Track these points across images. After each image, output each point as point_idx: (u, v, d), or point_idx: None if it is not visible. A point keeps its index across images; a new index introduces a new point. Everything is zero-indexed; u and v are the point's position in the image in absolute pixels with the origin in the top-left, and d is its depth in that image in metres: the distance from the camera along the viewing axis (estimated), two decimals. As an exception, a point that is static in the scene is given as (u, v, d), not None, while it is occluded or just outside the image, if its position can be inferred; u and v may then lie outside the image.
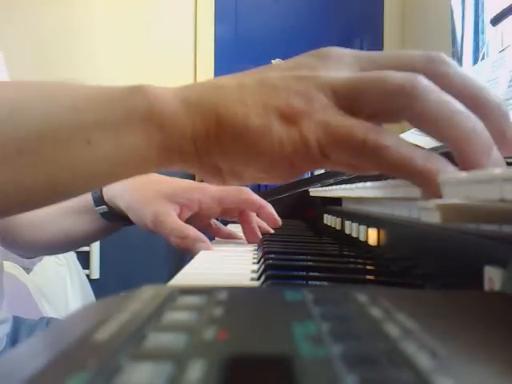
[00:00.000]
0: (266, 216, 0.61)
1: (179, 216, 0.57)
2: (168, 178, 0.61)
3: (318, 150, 0.25)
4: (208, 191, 0.58)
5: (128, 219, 0.61)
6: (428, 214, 0.21)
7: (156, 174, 0.62)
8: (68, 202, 0.63)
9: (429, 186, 0.24)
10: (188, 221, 0.58)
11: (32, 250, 0.71)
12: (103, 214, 0.61)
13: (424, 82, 0.24)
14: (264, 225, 0.63)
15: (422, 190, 0.25)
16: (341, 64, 0.27)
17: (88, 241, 0.70)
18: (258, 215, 0.62)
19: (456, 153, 0.24)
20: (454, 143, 0.24)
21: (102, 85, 0.28)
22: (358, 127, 0.25)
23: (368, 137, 0.24)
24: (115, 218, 0.62)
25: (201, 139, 0.26)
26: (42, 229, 0.65)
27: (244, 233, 0.61)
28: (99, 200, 0.61)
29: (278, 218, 0.61)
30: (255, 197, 0.61)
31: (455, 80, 0.25)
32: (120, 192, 0.59)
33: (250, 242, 0.61)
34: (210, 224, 0.64)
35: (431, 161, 0.24)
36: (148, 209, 0.56)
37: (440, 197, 0.22)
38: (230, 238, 0.65)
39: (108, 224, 0.64)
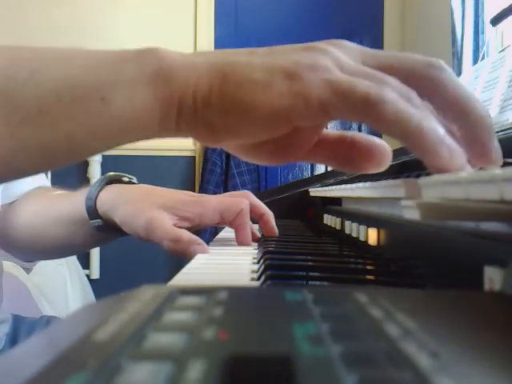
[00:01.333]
0: (265, 226, 0.61)
1: (174, 225, 0.55)
2: (168, 190, 0.61)
3: (318, 104, 0.26)
4: (209, 205, 0.57)
5: (122, 231, 0.60)
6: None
7: (156, 187, 0.61)
8: (62, 213, 0.64)
9: (420, 146, 0.25)
10: (192, 232, 0.56)
11: (30, 254, 0.72)
12: (98, 227, 0.61)
13: (390, 94, 0.26)
14: (254, 231, 0.63)
15: (415, 152, 0.26)
16: (347, 52, 0.29)
17: (85, 248, 0.70)
18: (259, 222, 0.62)
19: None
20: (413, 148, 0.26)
21: (115, 49, 0.29)
22: (360, 82, 0.26)
23: (370, 90, 0.25)
24: (110, 231, 0.62)
25: (202, 94, 0.27)
26: (38, 236, 0.66)
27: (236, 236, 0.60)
28: (93, 213, 0.60)
29: (276, 230, 0.62)
30: (258, 203, 0.61)
31: (448, 87, 0.27)
32: (115, 206, 0.59)
33: (270, 235, 0.61)
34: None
35: (425, 122, 0.25)
36: (141, 217, 0.55)
37: (433, 160, 0.24)
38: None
39: (104, 235, 0.63)
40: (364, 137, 0.31)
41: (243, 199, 0.59)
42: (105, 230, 0.62)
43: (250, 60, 0.28)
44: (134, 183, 0.65)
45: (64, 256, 0.82)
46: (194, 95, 0.27)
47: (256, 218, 0.61)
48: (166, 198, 0.57)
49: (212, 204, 0.57)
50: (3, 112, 0.25)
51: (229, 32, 2.54)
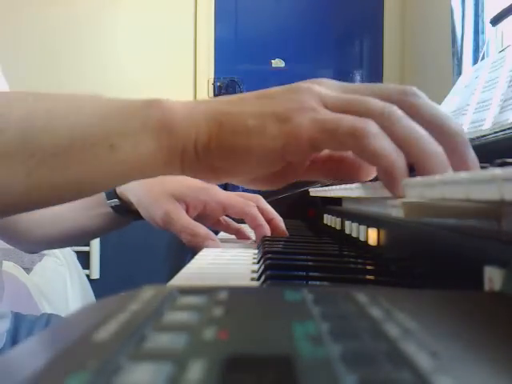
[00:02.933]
0: (274, 232, 0.62)
1: (187, 214, 0.59)
2: (180, 177, 0.63)
3: (308, 141, 0.29)
4: (215, 195, 0.60)
5: (138, 214, 0.63)
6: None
7: None
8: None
9: (390, 182, 0.28)
10: (196, 219, 0.59)
11: (41, 245, 0.72)
12: (114, 208, 0.63)
13: (372, 126, 0.28)
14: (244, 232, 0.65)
15: (385, 185, 0.29)
16: (329, 88, 0.32)
17: (100, 233, 0.71)
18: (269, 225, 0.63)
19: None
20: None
21: (122, 98, 0.32)
22: (345, 118, 0.29)
23: (354, 125, 0.28)
24: (125, 212, 0.64)
25: (202, 143, 0.30)
26: (54, 224, 0.67)
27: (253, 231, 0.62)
28: (111, 193, 0.62)
29: (286, 233, 0.63)
30: (268, 208, 0.63)
31: (423, 110, 0.30)
32: (132, 185, 0.61)
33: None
34: (219, 220, 0.65)
35: (400, 162, 0.28)
36: (158, 206, 0.58)
37: (399, 195, 0.27)
38: (238, 234, 0.65)
39: (119, 218, 0.65)
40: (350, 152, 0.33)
41: (251, 203, 0.61)
42: (121, 212, 0.64)
43: (242, 108, 0.30)
44: None
45: (79, 243, 0.85)
46: (195, 144, 0.30)
47: (253, 227, 0.62)
48: (175, 185, 0.60)
49: (218, 195, 0.60)
50: (21, 156, 0.28)
51: (229, 32, 2.54)
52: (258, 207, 0.62)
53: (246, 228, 0.66)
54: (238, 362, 0.11)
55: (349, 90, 0.32)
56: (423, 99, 0.30)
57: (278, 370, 0.11)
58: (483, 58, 1.00)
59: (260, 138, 0.29)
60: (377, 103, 0.29)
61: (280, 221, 0.63)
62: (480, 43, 1.61)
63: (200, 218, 0.61)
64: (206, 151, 0.30)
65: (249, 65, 2.47)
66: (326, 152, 0.34)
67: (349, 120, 0.28)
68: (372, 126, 0.28)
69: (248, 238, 0.64)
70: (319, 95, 0.30)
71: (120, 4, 2.42)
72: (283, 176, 0.35)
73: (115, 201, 0.63)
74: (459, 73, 1.60)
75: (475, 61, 1.57)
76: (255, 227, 0.60)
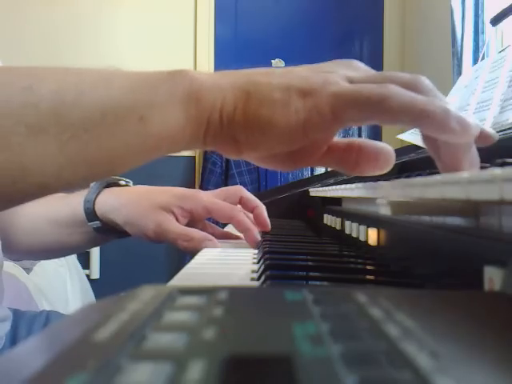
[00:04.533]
0: (258, 219, 0.62)
1: (178, 222, 0.60)
2: (162, 188, 0.64)
3: (330, 113, 0.29)
4: (200, 201, 0.61)
5: (122, 232, 0.63)
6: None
7: (151, 187, 0.65)
8: (60, 215, 0.66)
9: (433, 124, 0.28)
10: (186, 225, 0.60)
11: (29, 255, 0.74)
12: (96, 229, 0.64)
13: (393, 87, 0.29)
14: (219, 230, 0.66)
15: (430, 131, 0.29)
16: (353, 69, 0.32)
17: (84, 248, 0.72)
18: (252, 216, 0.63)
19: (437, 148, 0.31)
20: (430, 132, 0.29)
21: (148, 71, 0.32)
22: (365, 86, 0.29)
23: (373, 91, 0.29)
24: (108, 232, 0.65)
25: (227, 112, 0.30)
26: (37, 237, 0.67)
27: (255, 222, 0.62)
28: (92, 215, 0.63)
29: (268, 223, 0.63)
30: (250, 197, 0.63)
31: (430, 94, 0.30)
32: (116, 207, 0.62)
33: (262, 228, 0.62)
34: (205, 224, 0.66)
35: (431, 103, 0.28)
36: (149, 220, 0.59)
37: (448, 131, 0.27)
38: (225, 237, 0.65)
39: (100, 237, 0.66)
40: (370, 142, 0.34)
41: (236, 207, 0.61)
42: (103, 232, 0.64)
43: (268, 80, 0.30)
44: (129, 187, 0.68)
45: (64, 255, 0.85)
46: (220, 113, 0.30)
47: (248, 211, 0.63)
48: (162, 197, 0.61)
49: (203, 201, 0.61)
50: (54, 131, 0.27)
51: (229, 32, 2.54)
52: (241, 198, 0.63)
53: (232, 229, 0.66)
54: (238, 362, 0.11)
55: (373, 72, 0.33)
56: (434, 90, 0.31)
57: (278, 370, 0.11)
58: (483, 58, 1.00)
59: (284, 110, 0.30)
60: (396, 85, 0.30)
61: (263, 209, 0.63)
62: (480, 43, 1.62)
63: (189, 224, 0.61)
64: (230, 122, 0.30)
65: (249, 65, 2.45)
66: (346, 140, 0.34)
67: (369, 86, 0.29)
68: (393, 87, 0.29)
69: (237, 237, 0.64)
70: (344, 74, 0.31)
71: (120, 4, 2.42)
72: (299, 158, 0.35)
73: (96, 223, 0.63)
74: (459, 73, 1.60)
75: (475, 61, 1.57)
76: (243, 231, 0.60)
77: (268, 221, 0.63)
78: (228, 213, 0.60)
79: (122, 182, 0.67)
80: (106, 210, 0.62)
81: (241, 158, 0.34)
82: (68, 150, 0.28)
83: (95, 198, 0.63)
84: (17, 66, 0.29)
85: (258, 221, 0.62)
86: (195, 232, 0.57)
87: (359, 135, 2.47)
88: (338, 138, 0.35)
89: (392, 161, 0.33)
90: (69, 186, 0.31)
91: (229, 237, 0.65)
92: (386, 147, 0.33)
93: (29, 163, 0.27)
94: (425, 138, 0.32)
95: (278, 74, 0.31)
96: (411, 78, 0.31)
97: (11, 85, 0.28)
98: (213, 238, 0.57)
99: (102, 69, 0.31)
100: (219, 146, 0.32)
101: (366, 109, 0.29)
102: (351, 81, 0.31)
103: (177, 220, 0.60)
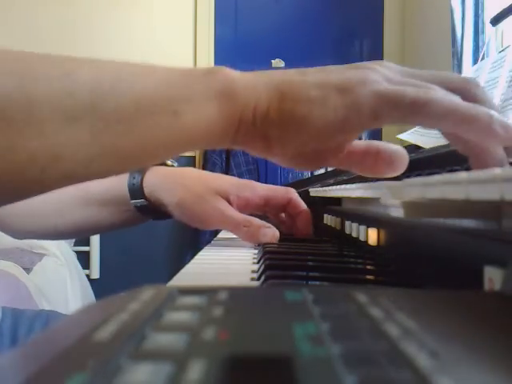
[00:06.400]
0: (302, 223, 0.63)
1: None
2: (215, 174, 0.64)
3: (370, 112, 0.29)
4: (256, 190, 0.60)
5: (162, 214, 0.62)
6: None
7: (203, 171, 0.64)
8: (95, 193, 0.63)
9: (476, 130, 0.28)
10: None
11: (56, 235, 0.70)
12: (139, 207, 0.62)
13: (438, 90, 0.29)
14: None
15: (473, 136, 0.29)
16: (391, 70, 0.32)
17: (113, 228, 0.69)
18: (295, 219, 0.63)
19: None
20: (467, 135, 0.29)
21: (183, 67, 0.32)
22: (408, 88, 0.29)
23: (418, 94, 0.28)
24: (149, 212, 0.62)
25: (261, 110, 0.30)
26: (60, 214, 0.64)
27: (296, 225, 0.63)
28: (138, 193, 0.61)
29: (311, 229, 0.63)
30: (299, 199, 0.63)
31: (485, 104, 0.30)
32: (168, 188, 0.60)
33: (304, 233, 0.63)
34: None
35: (474, 109, 0.28)
36: (208, 205, 0.58)
37: (493, 136, 0.28)
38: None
39: (136, 217, 0.64)
40: (386, 145, 0.34)
41: (291, 189, 0.62)
42: (145, 211, 0.62)
43: (303, 79, 0.30)
44: (178, 167, 0.67)
45: (93, 234, 0.83)
46: (253, 112, 0.30)
47: (294, 214, 0.63)
48: (218, 183, 0.60)
49: (259, 189, 0.61)
50: (88, 120, 0.27)
51: (229, 32, 2.53)
52: (290, 199, 0.63)
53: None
54: (238, 362, 0.11)
55: (410, 72, 0.32)
56: (486, 95, 0.31)
57: (278, 369, 0.11)
58: (483, 58, 1.00)
59: (321, 108, 0.29)
60: (440, 88, 0.29)
61: (309, 215, 0.63)
62: (480, 43, 1.61)
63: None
64: (263, 120, 0.30)
65: (249, 65, 2.46)
66: (364, 143, 0.35)
67: (413, 90, 0.29)
68: (438, 90, 0.29)
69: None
70: (383, 74, 0.31)
71: (120, 4, 2.42)
72: (324, 158, 0.34)
73: (142, 201, 0.61)
74: (459, 73, 1.60)
75: (475, 61, 1.56)
76: (297, 214, 0.60)
77: (310, 227, 0.63)
78: (283, 195, 0.60)
79: (169, 162, 0.66)
80: (155, 189, 0.60)
81: (268, 156, 0.34)
82: (101, 140, 0.28)
83: (143, 176, 0.61)
84: (55, 54, 0.29)
85: (301, 225, 0.63)
86: (254, 219, 0.57)
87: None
88: (356, 141, 0.35)
89: (406, 163, 0.33)
90: (96, 177, 0.31)
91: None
92: (401, 150, 0.34)
93: (60, 151, 0.27)
94: (453, 137, 0.32)
95: (313, 71, 0.31)
96: (459, 81, 0.31)
97: (50, 72, 0.27)
98: (271, 225, 0.57)
99: (137, 63, 0.31)
100: (249, 143, 0.32)
101: (409, 111, 0.29)
102: (390, 80, 0.30)
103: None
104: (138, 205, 0.61)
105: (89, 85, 0.27)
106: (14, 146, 0.25)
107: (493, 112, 0.28)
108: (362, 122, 0.29)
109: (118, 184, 0.61)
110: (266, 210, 0.62)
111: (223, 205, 0.58)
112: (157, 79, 0.30)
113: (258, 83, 0.31)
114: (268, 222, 0.60)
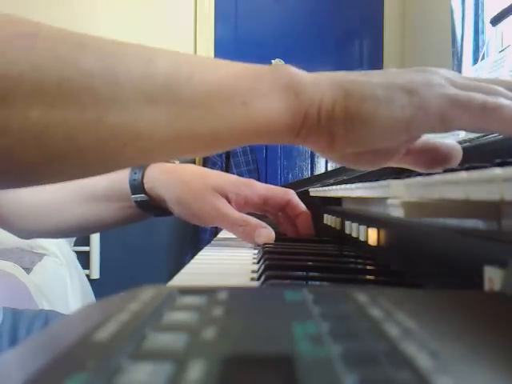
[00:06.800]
0: (303, 225, 0.62)
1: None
2: (215, 171, 0.64)
3: (438, 115, 0.30)
4: (255, 188, 0.60)
5: (162, 210, 0.62)
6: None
7: (203, 168, 0.64)
8: (98, 189, 0.63)
9: None
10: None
11: (57, 234, 0.70)
12: (140, 203, 0.62)
13: (505, 100, 0.30)
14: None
15: None
16: (452, 75, 0.32)
17: (117, 225, 0.69)
18: (295, 221, 0.63)
19: None
20: None
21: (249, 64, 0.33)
22: (476, 94, 0.30)
23: (487, 100, 0.29)
24: (150, 208, 0.62)
25: (326, 107, 0.31)
26: (60, 212, 0.64)
27: (298, 227, 0.63)
28: (138, 188, 0.61)
29: (313, 229, 0.63)
30: (298, 201, 0.63)
31: None
32: (168, 184, 0.60)
33: (306, 234, 0.62)
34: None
35: None
36: (205, 202, 0.58)
37: None
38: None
39: (138, 213, 0.63)
40: (443, 142, 0.35)
41: (290, 190, 0.62)
42: (146, 207, 0.62)
43: (367, 79, 0.31)
44: (178, 164, 0.67)
45: (96, 232, 0.83)
46: (318, 109, 0.31)
47: (293, 216, 0.63)
48: (217, 180, 0.60)
49: (258, 188, 0.60)
50: (165, 104, 0.29)
51: (229, 32, 2.54)
52: (289, 201, 0.62)
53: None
54: (238, 362, 0.11)
55: (469, 78, 0.33)
56: None
57: (278, 370, 0.11)
58: (483, 58, 1.00)
59: (388, 107, 0.30)
60: (507, 95, 0.30)
61: (309, 216, 0.63)
62: (480, 43, 1.61)
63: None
64: (329, 117, 0.31)
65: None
66: (421, 141, 0.35)
67: (480, 96, 0.29)
68: (504, 100, 0.29)
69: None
70: (446, 77, 0.31)
71: (119, 4, 2.42)
72: (385, 157, 0.35)
73: (142, 196, 0.61)
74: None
75: (475, 61, 1.56)
76: (297, 216, 0.60)
77: (312, 228, 0.63)
78: (282, 196, 0.60)
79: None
80: (155, 185, 0.60)
81: (329, 153, 0.34)
82: (176, 123, 0.29)
83: (144, 172, 0.61)
84: (134, 43, 0.32)
85: (302, 226, 0.63)
86: (251, 218, 0.57)
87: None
88: None
89: (460, 157, 0.34)
90: (167, 157, 0.32)
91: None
92: (457, 146, 0.34)
93: (141, 130, 0.28)
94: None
95: (375, 74, 0.32)
96: None
97: (134, 56, 0.30)
98: (267, 226, 0.57)
99: (209, 57, 0.33)
100: (312, 140, 0.33)
101: (478, 116, 0.29)
102: (454, 84, 0.31)
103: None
104: (139, 200, 0.61)
105: (167, 71, 0.29)
106: (101, 120, 0.27)
107: None
108: (429, 124, 0.30)
109: (119, 180, 0.61)
110: (265, 210, 0.62)
111: (221, 202, 0.58)
112: (227, 71, 0.31)
113: (321, 81, 0.31)
114: (267, 221, 0.59)
